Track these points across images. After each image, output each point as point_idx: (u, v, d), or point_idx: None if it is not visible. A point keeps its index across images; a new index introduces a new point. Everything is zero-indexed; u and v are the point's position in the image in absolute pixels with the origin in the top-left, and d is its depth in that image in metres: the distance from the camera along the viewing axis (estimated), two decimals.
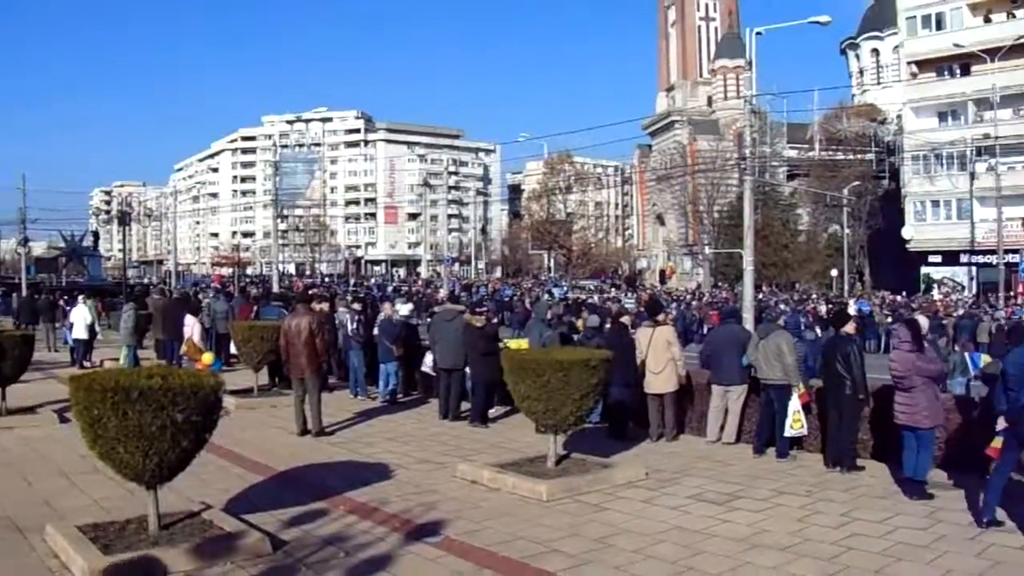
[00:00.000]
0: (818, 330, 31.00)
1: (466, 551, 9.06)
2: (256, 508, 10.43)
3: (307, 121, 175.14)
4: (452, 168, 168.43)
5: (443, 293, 43.66)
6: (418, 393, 20.76)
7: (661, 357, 15.24)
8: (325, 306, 19.24)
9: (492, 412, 17.38)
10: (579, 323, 19.84)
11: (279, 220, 77.79)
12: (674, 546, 9.34)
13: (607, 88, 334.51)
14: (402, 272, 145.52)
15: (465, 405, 17.57)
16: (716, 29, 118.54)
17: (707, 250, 79.47)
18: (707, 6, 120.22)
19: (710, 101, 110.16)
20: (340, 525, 9.94)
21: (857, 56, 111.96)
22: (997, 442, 10.53)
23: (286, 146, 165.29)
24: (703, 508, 10.88)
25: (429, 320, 23.00)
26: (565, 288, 77.27)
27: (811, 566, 8.77)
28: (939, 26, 68.53)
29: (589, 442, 14.21)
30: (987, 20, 67.20)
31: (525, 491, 11.33)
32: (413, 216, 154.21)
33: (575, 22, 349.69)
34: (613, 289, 79.72)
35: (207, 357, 20.87)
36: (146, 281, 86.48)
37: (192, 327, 22.75)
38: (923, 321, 14.59)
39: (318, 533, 9.61)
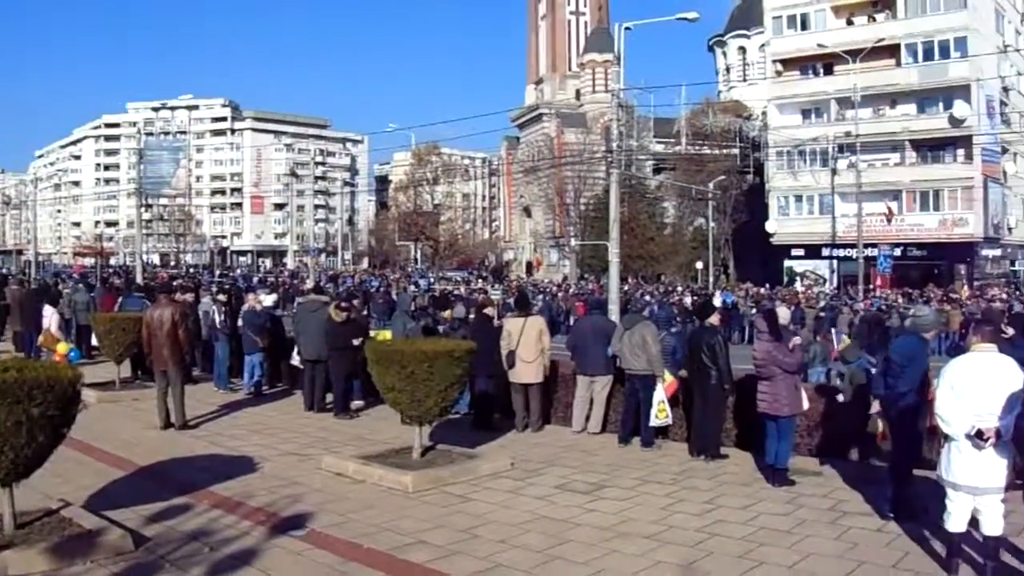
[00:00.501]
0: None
1: (331, 544, 9.00)
2: (117, 504, 10.15)
3: (173, 109, 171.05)
4: (319, 158, 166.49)
5: (309, 284, 43.15)
6: (283, 385, 20.50)
7: (533, 347, 15.30)
8: (189, 297, 19.00)
9: (356, 404, 17.31)
10: (446, 314, 19.75)
11: (143, 209, 76.01)
12: (540, 536, 9.39)
13: (477, 80, 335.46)
14: (268, 263, 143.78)
15: (331, 397, 17.41)
16: (586, 23, 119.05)
17: (573, 242, 79.87)
18: (577, 0, 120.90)
19: (578, 94, 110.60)
20: (204, 520, 9.78)
21: (724, 53, 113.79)
22: (877, 426, 10.88)
23: (151, 134, 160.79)
24: (569, 498, 10.97)
25: (294, 311, 22.80)
26: (431, 280, 77.06)
27: (676, 552, 8.89)
28: (804, 26, 70.15)
29: (455, 433, 14.23)
30: (850, 22, 68.95)
31: (391, 483, 11.29)
32: (279, 206, 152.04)
33: (446, 12, 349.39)
34: (480, 280, 79.72)
35: (62, 347, 20.40)
36: (4, 271, 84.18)
37: (50, 318, 22.19)
38: (784, 312, 14.92)
39: (182, 528, 9.42)
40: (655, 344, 13.96)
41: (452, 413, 13.99)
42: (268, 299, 23.20)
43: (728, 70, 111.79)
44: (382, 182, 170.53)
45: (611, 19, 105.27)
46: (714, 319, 14.15)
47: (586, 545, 9.10)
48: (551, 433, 15.32)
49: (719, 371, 12.97)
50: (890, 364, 10.72)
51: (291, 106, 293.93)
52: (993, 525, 8.24)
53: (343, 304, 17.88)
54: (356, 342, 16.23)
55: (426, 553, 8.74)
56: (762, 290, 56.50)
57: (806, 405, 12.13)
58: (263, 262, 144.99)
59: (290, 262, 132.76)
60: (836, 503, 10.88)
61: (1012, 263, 73.33)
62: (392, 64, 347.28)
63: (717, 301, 38.42)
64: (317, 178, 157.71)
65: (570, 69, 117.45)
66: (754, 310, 36.79)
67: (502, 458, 12.71)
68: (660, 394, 13.80)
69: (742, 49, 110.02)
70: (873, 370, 13.14)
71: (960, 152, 64.53)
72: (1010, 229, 69.81)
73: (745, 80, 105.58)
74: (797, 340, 12.45)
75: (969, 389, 8.16)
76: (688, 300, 43.34)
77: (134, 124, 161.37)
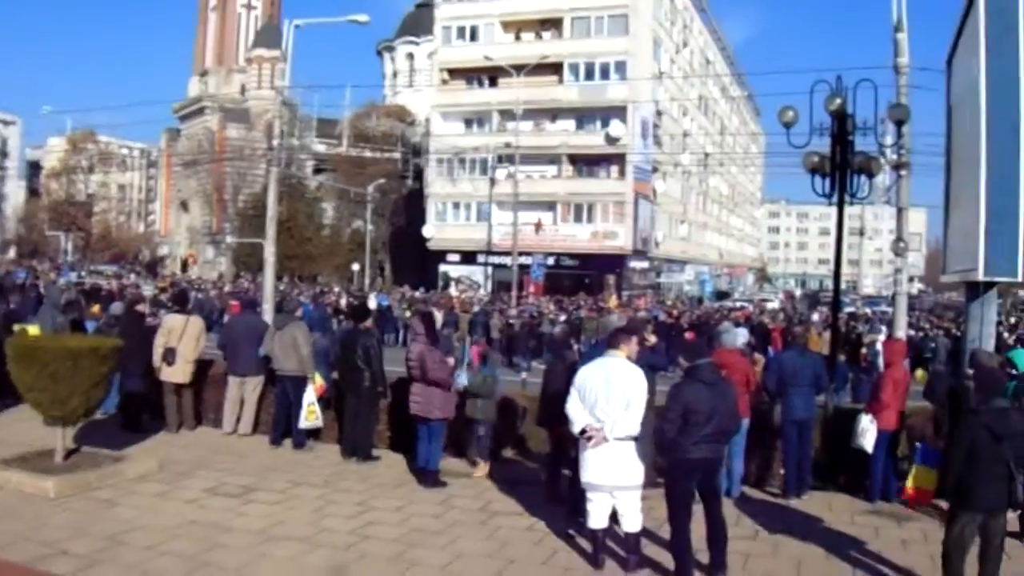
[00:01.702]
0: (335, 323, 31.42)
1: None
2: None
3: None
4: None
5: None
6: None
7: (193, 347, 14.93)
8: None
9: None
10: (94, 309, 18.96)
11: None
12: (190, 541, 9.17)
13: (141, 66, 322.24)
14: None
15: None
16: (257, 18, 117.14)
17: (230, 239, 78.36)
18: None
19: (244, 90, 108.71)
20: None
21: (393, 58, 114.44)
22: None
23: None
24: (219, 501, 10.76)
25: None
26: (82, 272, 73.83)
27: (328, 555, 8.91)
28: (473, 38, 71.42)
29: (102, 435, 13.56)
30: (518, 38, 70.89)
31: (31, 488, 10.69)
32: None
33: None
34: (133, 275, 77.12)
35: None
36: None
37: None
38: (438, 315, 15.17)
39: None
40: (306, 345, 13.89)
41: (99, 414, 13.42)
42: None
43: (395, 75, 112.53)
44: (34, 168, 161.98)
45: (282, 15, 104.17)
46: (368, 322, 14.22)
47: (237, 550, 8.97)
48: (202, 435, 14.92)
49: (373, 373, 13.03)
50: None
51: None
52: (632, 521, 8.81)
53: None
54: None
55: (68, 564, 8.35)
56: (417, 294, 57.09)
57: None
58: None
59: None
60: (487, 503, 11.18)
61: (658, 275, 77.42)
62: (52, 43, 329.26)
63: (372, 303, 38.64)
64: None
65: (237, 63, 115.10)
66: (408, 314, 37.13)
67: (150, 461, 12.28)
68: (310, 396, 13.72)
69: (410, 55, 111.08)
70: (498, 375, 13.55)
71: (614, 169, 67.76)
72: (657, 243, 73.50)
73: (411, 86, 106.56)
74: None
75: (591, 392, 8.66)
76: (344, 302, 43.28)
77: None
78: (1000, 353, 12.91)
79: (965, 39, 12.56)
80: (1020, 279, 11.71)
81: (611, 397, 8.63)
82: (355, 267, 75.51)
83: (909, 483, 10.62)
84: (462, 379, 12.66)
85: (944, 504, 8.17)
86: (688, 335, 28.65)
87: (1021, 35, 10.90)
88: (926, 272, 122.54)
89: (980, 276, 11.16)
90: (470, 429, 12.93)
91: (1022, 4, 10.86)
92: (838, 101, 15.28)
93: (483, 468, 12.54)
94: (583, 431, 8.69)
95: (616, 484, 8.70)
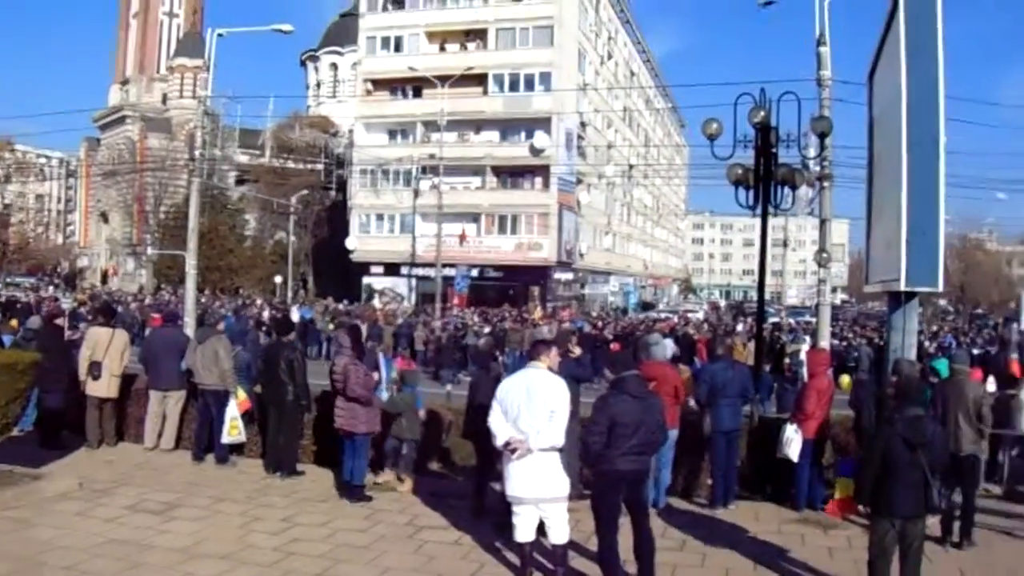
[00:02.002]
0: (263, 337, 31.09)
1: None
2: None
3: None
4: None
5: None
6: None
7: (118, 360, 14.72)
8: None
9: None
10: (13, 323, 18.61)
11: None
12: (110, 560, 8.99)
13: (60, 74, 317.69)
14: None
15: None
16: (179, 26, 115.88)
17: (151, 251, 77.42)
18: (172, 1, 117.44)
19: (165, 99, 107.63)
20: None
21: (316, 68, 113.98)
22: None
23: None
24: (141, 519, 10.57)
25: None
26: None
27: (252, 573, 8.82)
28: (398, 49, 71.27)
29: (19, 452, 13.15)
30: (442, 49, 70.87)
31: None
32: None
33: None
34: (51, 287, 76.00)
35: None
36: None
37: None
38: (362, 328, 15.09)
39: None
40: (228, 359, 13.72)
41: (16, 431, 13.11)
42: None
43: (319, 85, 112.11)
44: None
45: (205, 24, 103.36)
46: (291, 335, 14.09)
47: (159, 568, 8.83)
48: (123, 451, 14.66)
49: (296, 387, 12.91)
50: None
51: None
52: (559, 533, 8.78)
53: None
54: None
55: None
56: (340, 306, 56.83)
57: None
58: None
59: None
60: (413, 517, 11.12)
61: (582, 286, 77.67)
62: None
63: (295, 316, 38.40)
64: None
65: (159, 72, 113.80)
66: (331, 326, 36.95)
67: (70, 478, 12.05)
68: (233, 410, 13.55)
69: (334, 66, 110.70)
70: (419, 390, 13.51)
71: (538, 180, 67.92)
72: (581, 255, 73.65)
73: (335, 97, 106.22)
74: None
75: (513, 405, 8.65)
76: (267, 314, 42.98)
77: None
78: (922, 361, 13.12)
79: (886, 55, 12.70)
80: (940, 289, 11.91)
81: (533, 409, 8.60)
82: (278, 279, 75.02)
83: (836, 494, 10.76)
84: (383, 395, 12.55)
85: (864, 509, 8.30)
86: (613, 346, 28.78)
87: (940, 51, 11.06)
88: (849, 282, 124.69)
89: (902, 286, 11.27)
90: (395, 446, 12.82)
91: (940, 22, 11.02)
92: (762, 113, 15.42)
93: (408, 484, 12.45)
94: (507, 443, 8.66)
95: (541, 496, 8.66)
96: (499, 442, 8.76)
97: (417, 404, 13.13)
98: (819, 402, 11.86)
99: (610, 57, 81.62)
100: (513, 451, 8.59)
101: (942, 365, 12.79)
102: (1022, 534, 10.92)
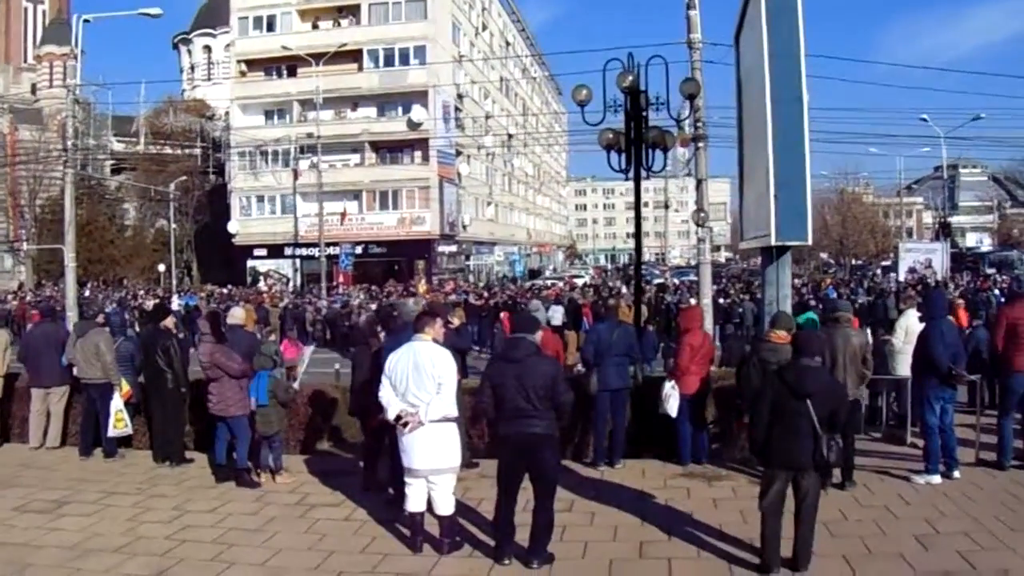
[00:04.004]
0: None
1: None
2: None
3: None
4: None
5: None
6: None
7: (1, 360, 14.55)
8: None
9: None
10: None
11: None
12: None
13: None
14: None
15: None
16: (44, 13, 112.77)
17: (27, 246, 75.64)
18: None
19: (34, 89, 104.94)
20: None
21: (190, 52, 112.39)
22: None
23: None
24: (29, 519, 10.45)
25: None
26: None
27: (146, 564, 8.78)
28: (270, 28, 70.44)
29: None
30: (315, 26, 70.26)
31: None
32: None
33: None
34: None
35: None
36: None
37: None
38: (239, 313, 15.01)
39: None
40: (109, 351, 13.51)
41: None
42: None
43: (193, 69, 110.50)
44: None
45: (71, 10, 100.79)
46: (168, 322, 13.95)
47: (50, 568, 8.75)
48: (8, 451, 14.44)
49: (175, 374, 12.90)
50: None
51: None
52: (444, 505, 8.95)
53: None
54: None
55: None
56: (225, 291, 56.24)
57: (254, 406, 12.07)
58: None
59: None
60: (303, 497, 11.19)
61: (467, 258, 77.97)
62: None
63: (176, 304, 38.00)
64: None
65: (26, 61, 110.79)
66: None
67: None
68: (117, 403, 13.37)
69: (207, 48, 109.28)
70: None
71: (418, 154, 67.96)
72: (464, 226, 73.98)
73: (210, 79, 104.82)
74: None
75: (401, 378, 8.77)
76: (151, 304, 42.40)
77: None
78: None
79: (749, 16, 12.99)
80: (810, 242, 12.26)
81: (422, 381, 8.69)
82: (161, 268, 73.91)
83: None
84: (263, 397, 12.14)
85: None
86: (503, 316, 29.11)
87: (799, 12, 11.36)
88: (732, 241, 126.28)
89: (773, 241, 11.57)
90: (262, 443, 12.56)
91: None
92: (630, 78, 15.65)
93: (284, 475, 12.22)
94: (398, 417, 8.73)
95: (437, 467, 8.77)
96: (390, 415, 8.83)
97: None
98: (693, 358, 12.10)
99: (485, 28, 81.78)
100: (404, 424, 8.68)
101: (803, 318, 13.26)
102: (897, 472, 11.31)
